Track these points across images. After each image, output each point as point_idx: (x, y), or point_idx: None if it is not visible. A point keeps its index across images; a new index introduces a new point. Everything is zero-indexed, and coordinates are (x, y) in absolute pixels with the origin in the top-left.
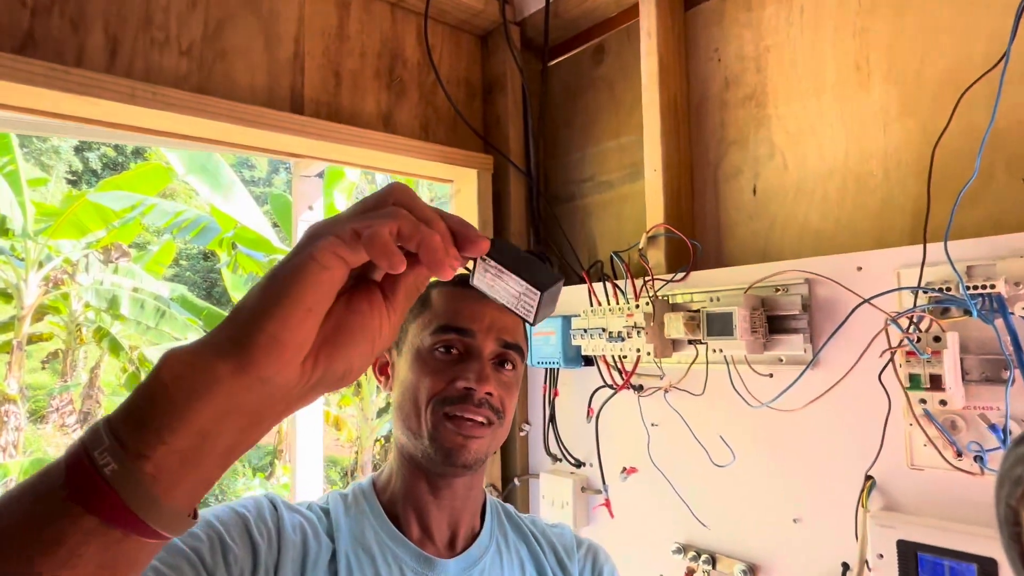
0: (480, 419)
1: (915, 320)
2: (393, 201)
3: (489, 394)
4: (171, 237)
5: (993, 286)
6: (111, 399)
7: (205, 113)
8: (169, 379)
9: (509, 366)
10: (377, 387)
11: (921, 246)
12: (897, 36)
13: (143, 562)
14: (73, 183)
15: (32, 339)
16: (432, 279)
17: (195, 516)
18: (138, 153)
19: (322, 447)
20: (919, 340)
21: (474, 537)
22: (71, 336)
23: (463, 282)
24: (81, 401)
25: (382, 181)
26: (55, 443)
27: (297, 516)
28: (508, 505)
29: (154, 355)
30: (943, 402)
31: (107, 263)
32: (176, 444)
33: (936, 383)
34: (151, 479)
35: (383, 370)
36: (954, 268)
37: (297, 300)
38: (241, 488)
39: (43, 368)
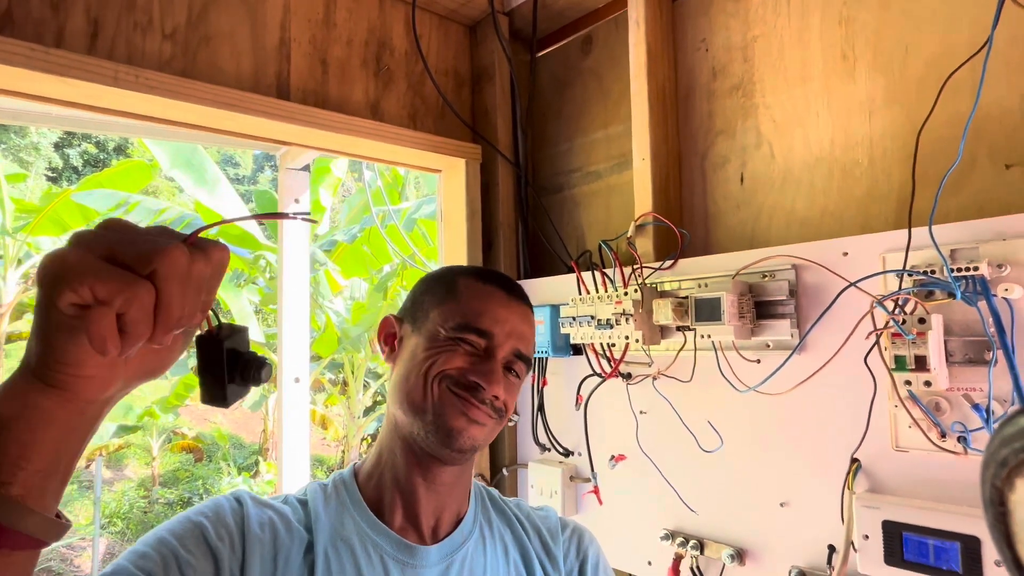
0: (485, 411)
1: (900, 303)
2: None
3: (496, 396)
4: None
5: (976, 268)
6: None
7: (189, 97)
8: (8, 418)
9: (514, 375)
10: (365, 385)
11: (905, 231)
12: (882, 25)
13: (29, 569)
14: (53, 180)
15: (11, 338)
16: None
17: (62, 518)
18: (120, 150)
19: (309, 446)
20: (904, 322)
21: (458, 523)
22: None
23: (490, 277)
24: None
25: (369, 179)
26: None
27: (267, 512)
28: (493, 489)
29: None
30: (928, 383)
31: None
32: (34, 466)
33: (921, 364)
34: (20, 498)
35: (388, 340)
36: (939, 251)
37: (86, 349)
38: (226, 487)
39: None
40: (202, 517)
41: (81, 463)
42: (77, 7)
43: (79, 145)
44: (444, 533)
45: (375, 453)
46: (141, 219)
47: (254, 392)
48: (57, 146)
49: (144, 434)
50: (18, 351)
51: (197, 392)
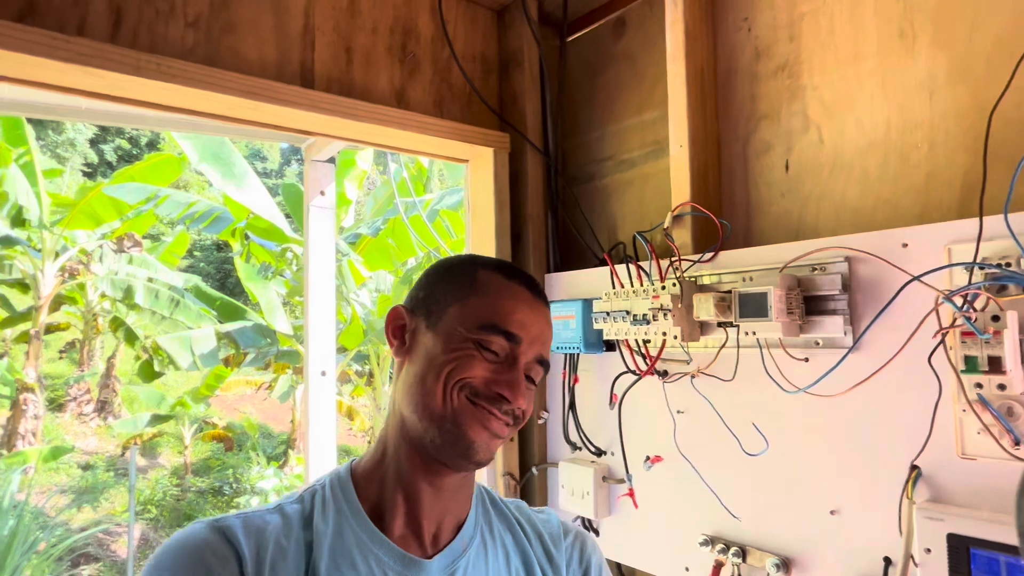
0: (503, 421)
1: (969, 299)
2: None
3: (519, 407)
4: (184, 228)
5: None
6: (127, 388)
7: (212, 86)
8: None
9: (531, 382)
10: (390, 376)
11: (973, 220)
12: None
13: None
14: (89, 175)
15: (50, 329)
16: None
17: None
18: (152, 145)
19: (336, 437)
20: (975, 320)
21: (459, 528)
22: (88, 326)
23: (513, 273)
24: (98, 390)
25: (394, 171)
26: (73, 431)
27: (252, 541)
28: (493, 491)
29: (166, 344)
30: (1001, 386)
31: (119, 252)
32: None
33: (995, 366)
34: None
35: (397, 332)
36: (1017, 241)
37: None
38: (255, 476)
39: (60, 358)
40: None
41: (117, 451)
42: None
43: (113, 141)
44: (445, 540)
45: (378, 451)
46: (171, 212)
47: (283, 383)
48: (92, 142)
49: (177, 423)
50: (57, 342)
51: (227, 382)
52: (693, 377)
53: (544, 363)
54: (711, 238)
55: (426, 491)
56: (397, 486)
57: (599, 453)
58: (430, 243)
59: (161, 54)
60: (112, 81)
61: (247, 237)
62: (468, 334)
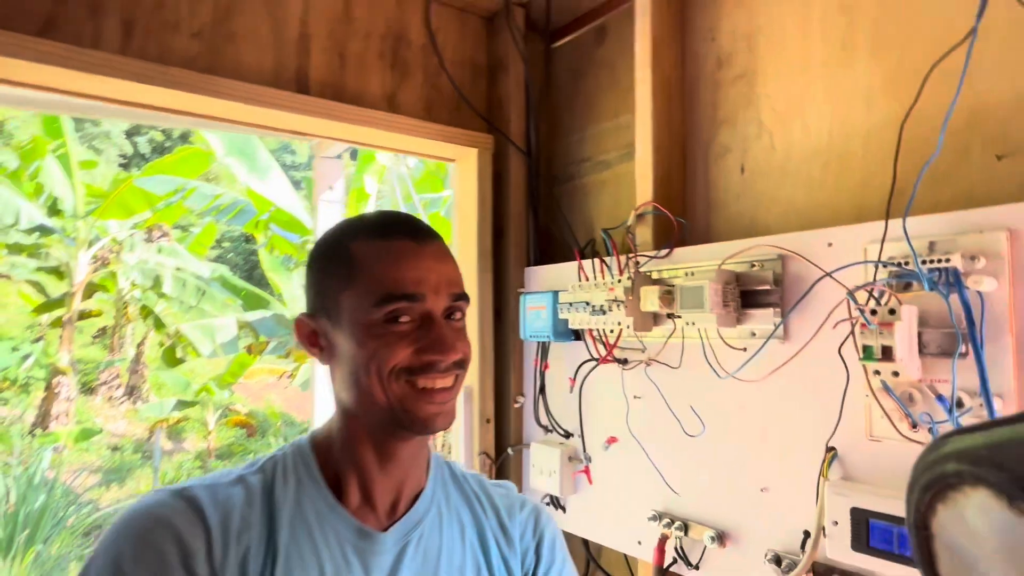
0: (448, 383)
1: (876, 294)
2: None
3: (455, 360)
4: (212, 219)
5: (948, 260)
6: (156, 374)
7: (212, 92)
8: None
9: (459, 314)
10: None
11: (886, 222)
12: (883, 13)
13: None
14: (124, 166)
15: (83, 315)
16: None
17: None
18: (184, 138)
19: None
20: (874, 312)
21: (416, 497)
22: (119, 313)
23: (390, 228)
24: (128, 375)
25: (415, 164)
26: (103, 414)
27: (219, 513)
28: (455, 463)
29: (189, 332)
30: (896, 373)
31: (149, 242)
32: None
33: (887, 354)
34: None
35: (312, 339)
36: (909, 242)
37: None
38: None
39: (93, 343)
40: (161, 557)
41: (144, 434)
42: (112, 9)
43: (147, 133)
44: (402, 509)
45: (326, 430)
46: (197, 204)
47: (304, 372)
48: (128, 135)
49: (201, 409)
50: (90, 327)
51: (251, 370)
52: (647, 365)
53: (463, 296)
54: (671, 236)
55: (376, 468)
56: (350, 462)
57: (567, 435)
58: (447, 238)
59: (167, 63)
60: (120, 88)
61: (270, 229)
62: (371, 316)
